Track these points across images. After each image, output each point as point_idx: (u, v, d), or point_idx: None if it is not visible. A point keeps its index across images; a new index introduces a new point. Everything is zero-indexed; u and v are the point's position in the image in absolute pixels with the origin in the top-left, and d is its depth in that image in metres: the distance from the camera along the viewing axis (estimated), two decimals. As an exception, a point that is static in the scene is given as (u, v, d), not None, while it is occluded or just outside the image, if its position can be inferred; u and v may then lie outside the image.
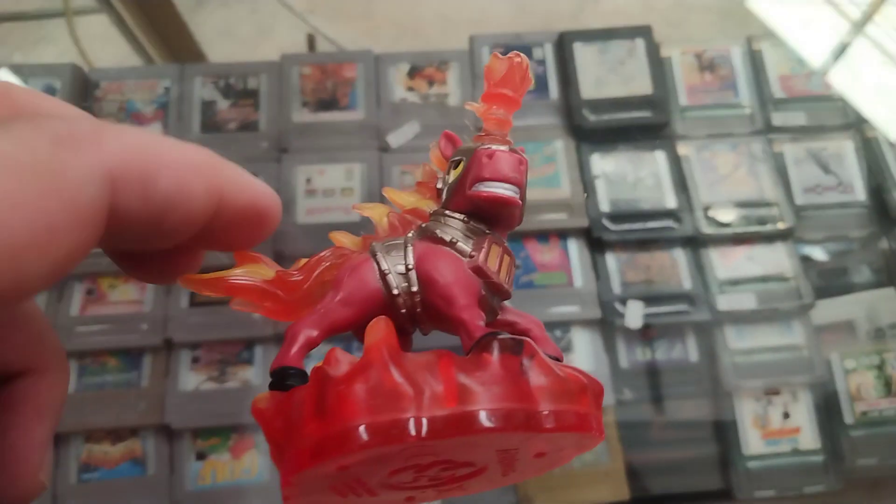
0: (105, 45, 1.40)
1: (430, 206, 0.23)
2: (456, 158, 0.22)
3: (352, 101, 0.84)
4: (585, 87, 0.84)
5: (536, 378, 0.19)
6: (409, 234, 0.22)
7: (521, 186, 0.22)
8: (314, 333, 0.21)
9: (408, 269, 0.21)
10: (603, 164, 0.82)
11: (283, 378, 0.20)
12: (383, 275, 0.21)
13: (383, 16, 1.65)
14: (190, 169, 0.18)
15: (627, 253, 0.80)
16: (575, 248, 0.80)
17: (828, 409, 0.77)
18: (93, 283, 0.77)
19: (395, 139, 0.82)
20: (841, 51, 0.94)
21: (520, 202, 0.22)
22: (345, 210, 0.81)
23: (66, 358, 0.22)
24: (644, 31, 0.87)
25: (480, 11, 1.66)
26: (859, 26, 1.00)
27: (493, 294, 0.22)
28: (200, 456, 0.73)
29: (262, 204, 0.20)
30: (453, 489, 0.23)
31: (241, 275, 0.22)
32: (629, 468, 0.75)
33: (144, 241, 0.18)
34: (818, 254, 0.84)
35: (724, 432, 0.77)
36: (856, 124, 0.86)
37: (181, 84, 0.85)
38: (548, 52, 0.87)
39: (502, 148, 0.22)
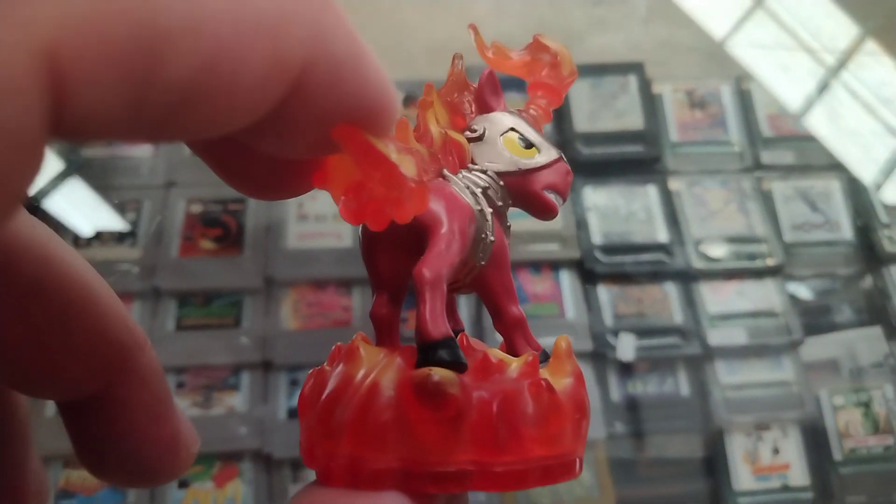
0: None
1: (465, 142, 0.22)
2: (524, 138, 0.22)
3: (347, 128, 0.84)
4: (579, 121, 0.85)
5: None
6: (480, 199, 0.21)
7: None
8: (445, 290, 0.18)
9: (488, 233, 0.20)
10: (595, 196, 0.83)
11: (451, 353, 0.17)
12: (478, 238, 0.20)
13: (372, 46, 1.66)
14: (244, 27, 0.10)
15: (619, 286, 0.80)
16: (567, 279, 0.80)
17: (817, 445, 0.77)
18: (76, 304, 0.75)
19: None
20: (817, 96, 0.97)
21: None
22: (336, 236, 0.80)
23: (144, 335, 0.18)
24: (636, 68, 0.88)
25: (469, 45, 1.69)
26: (834, 72, 1.03)
27: None
28: (183, 484, 0.71)
29: (372, 101, 0.13)
30: None
31: (405, 162, 0.16)
32: (619, 503, 0.74)
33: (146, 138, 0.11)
34: (803, 292, 0.85)
35: (715, 467, 0.76)
36: (842, 164, 0.88)
37: (174, 105, 0.85)
38: (542, 85, 0.88)
39: (568, 168, 0.23)
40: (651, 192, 0.83)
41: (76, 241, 0.79)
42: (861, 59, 1.11)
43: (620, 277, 0.80)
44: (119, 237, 0.78)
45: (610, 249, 0.80)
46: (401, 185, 0.16)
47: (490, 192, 0.21)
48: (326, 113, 0.13)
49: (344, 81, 0.12)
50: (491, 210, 0.21)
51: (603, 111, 0.85)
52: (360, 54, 0.13)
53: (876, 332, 0.84)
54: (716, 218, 0.82)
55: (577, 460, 0.19)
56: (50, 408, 0.72)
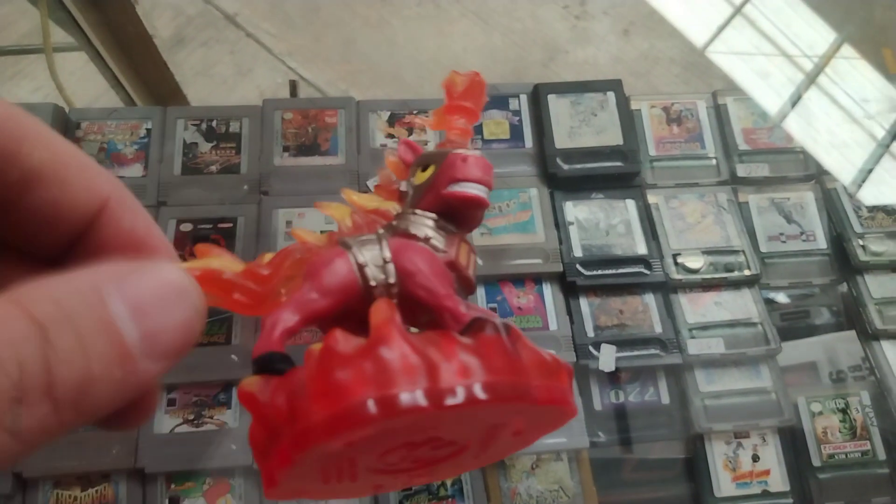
0: (83, 82, 1.41)
1: (393, 206, 0.24)
2: (424, 163, 0.23)
3: (332, 147, 0.86)
4: (559, 138, 0.87)
5: (525, 356, 0.21)
6: (381, 231, 0.23)
7: (490, 188, 0.23)
8: (294, 321, 0.21)
9: (385, 262, 0.22)
10: (576, 211, 0.85)
11: (272, 362, 0.20)
12: (360, 267, 0.22)
13: (361, 60, 1.68)
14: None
15: (600, 298, 0.82)
16: (549, 292, 0.82)
17: (796, 451, 0.79)
18: (68, 324, 0.76)
19: (374, 184, 0.84)
20: (796, 100, 0.99)
21: (489, 203, 0.23)
22: (324, 253, 0.82)
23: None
24: (615, 85, 0.90)
25: (455, 60, 1.71)
26: (812, 78, 1.06)
27: (462, 287, 0.23)
28: (174, 501, 0.72)
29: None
30: (425, 473, 0.24)
31: (208, 265, 0.21)
32: (603, 511, 0.76)
33: None
34: (782, 298, 0.87)
35: (696, 474, 0.78)
36: (816, 176, 0.90)
37: (163, 126, 0.86)
38: (523, 103, 0.90)
39: (475, 152, 0.23)
40: (630, 206, 0.85)
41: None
42: (838, 65, 1.13)
43: (601, 290, 0.82)
44: (110, 257, 0.80)
45: (591, 263, 0.82)
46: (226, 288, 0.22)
47: (396, 223, 0.23)
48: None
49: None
50: (382, 240, 0.23)
51: (582, 128, 0.87)
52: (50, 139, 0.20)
53: (851, 335, 0.86)
54: (693, 230, 0.84)
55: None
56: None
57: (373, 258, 0.22)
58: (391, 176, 0.25)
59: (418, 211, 0.23)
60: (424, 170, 0.23)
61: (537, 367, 0.22)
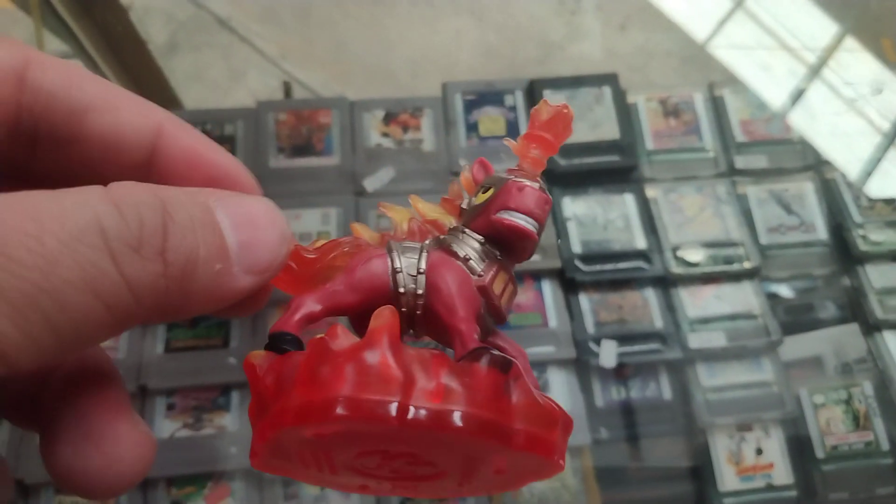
0: (78, 91, 1.40)
1: (451, 221, 0.24)
2: (487, 184, 0.24)
3: (327, 147, 0.86)
4: (556, 133, 0.86)
5: (517, 398, 0.21)
6: (427, 242, 0.24)
7: (542, 224, 0.23)
8: (317, 308, 0.22)
9: (419, 272, 0.23)
10: (574, 206, 0.84)
11: (280, 342, 0.21)
12: (394, 272, 0.23)
13: (355, 61, 1.67)
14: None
15: (600, 293, 0.81)
16: (549, 288, 0.81)
17: (799, 444, 0.78)
18: (65, 331, 0.76)
19: (370, 184, 0.84)
20: (798, 95, 0.99)
21: (537, 237, 0.23)
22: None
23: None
24: (610, 79, 0.90)
25: (449, 57, 1.70)
26: (815, 71, 1.05)
27: (490, 315, 0.23)
28: (175, 505, 0.72)
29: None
30: (408, 487, 0.24)
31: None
32: (607, 508, 0.75)
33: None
34: (784, 291, 0.87)
35: (700, 469, 0.78)
36: (815, 166, 0.89)
37: (157, 130, 0.86)
38: (518, 99, 0.90)
39: (534, 185, 0.23)
40: (628, 201, 0.85)
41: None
42: (841, 57, 1.12)
43: (601, 285, 0.81)
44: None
45: (589, 258, 0.81)
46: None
47: (444, 238, 0.24)
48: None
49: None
50: (423, 251, 0.23)
51: (579, 122, 0.87)
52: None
53: (856, 328, 0.86)
54: (692, 224, 0.84)
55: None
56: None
57: (408, 266, 0.23)
58: (461, 192, 0.25)
59: (468, 230, 0.23)
60: (486, 192, 0.23)
61: (527, 412, 0.21)
